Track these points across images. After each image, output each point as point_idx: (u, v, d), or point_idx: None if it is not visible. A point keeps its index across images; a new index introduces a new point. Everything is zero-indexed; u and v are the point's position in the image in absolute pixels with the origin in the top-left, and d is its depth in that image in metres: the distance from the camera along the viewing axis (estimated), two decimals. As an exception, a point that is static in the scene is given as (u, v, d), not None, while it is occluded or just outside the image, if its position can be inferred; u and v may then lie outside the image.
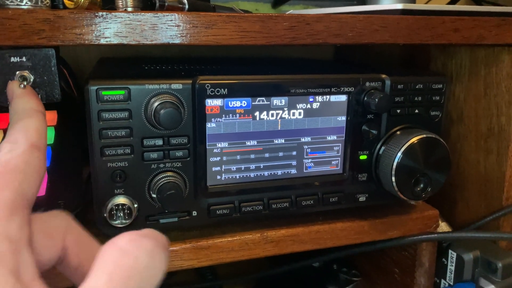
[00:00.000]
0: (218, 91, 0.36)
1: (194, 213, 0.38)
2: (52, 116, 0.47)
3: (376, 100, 0.39)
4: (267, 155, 0.40)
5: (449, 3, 0.70)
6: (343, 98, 0.40)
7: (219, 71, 0.42)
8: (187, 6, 0.38)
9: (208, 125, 0.37)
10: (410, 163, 0.40)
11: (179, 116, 0.33)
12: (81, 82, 0.49)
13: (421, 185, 0.41)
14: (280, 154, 0.40)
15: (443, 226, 0.53)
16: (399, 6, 0.41)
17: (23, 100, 0.29)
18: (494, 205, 0.50)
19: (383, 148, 0.42)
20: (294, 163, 0.41)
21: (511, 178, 0.48)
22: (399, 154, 0.40)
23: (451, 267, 0.48)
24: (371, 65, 0.55)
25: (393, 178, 0.40)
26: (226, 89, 0.36)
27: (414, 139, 0.40)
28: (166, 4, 0.36)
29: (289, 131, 0.40)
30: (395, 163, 0.40)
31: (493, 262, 0.45)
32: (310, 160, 0.41)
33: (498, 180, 0.49)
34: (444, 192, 0.57)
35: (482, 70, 0.49)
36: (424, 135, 0.40)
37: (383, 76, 0.41)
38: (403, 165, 0.40)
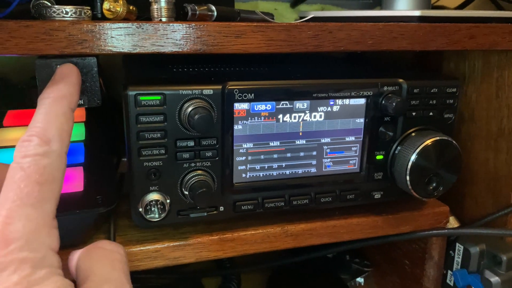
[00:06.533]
0: (245, 96, 0.39)
1: (221, 208, 0.41)
2: (80, 113, 0.49)
3: (394, 104, 0.41)
4: (289, 155, 0.42)
5: (462, 4, 0.71)
6: (362, 101, 0.43)
7: (246, 74, 0.44)
8: (215, 14, 0.40)
9: (236, 127, 0.39)
10: (423, 163, 0.42)
11: (212, 120, 0.36)
12: (106, 79, 0.52)
13: (434, 184, 0.44)
14: (301, 154, 0.42)
15: (451, 221, 0.55)
16: (417, 13, 0.43)
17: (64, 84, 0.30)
18: (501, 202, 0.52)
19: (398, 148, 0.44)
20: (314, 162, 0.43)
21: (519, 177, 0.50)
22: (414, 155, 0.42)
23: (458, 259, 0.51)
24: (387, 68, 0.57)
25: (408, 178, 0.43)
26: (252, 94, 0.39)
27: (428, 141, 0.42)
28: (198, 13, 0.38)
29: (310, 132, 0.42)
30: (409, 164, 0.42)
31: (498, 255, 0.48)
32: (329, 160, 0.44)
33: (506, 178, 0.51)
34: (454, 188, 0.59)
35: (494, 73, 0.51)
36: (438, 137, 0.43)
37: (400, 80, 0.43)
38: (417, 165, 0.42)
